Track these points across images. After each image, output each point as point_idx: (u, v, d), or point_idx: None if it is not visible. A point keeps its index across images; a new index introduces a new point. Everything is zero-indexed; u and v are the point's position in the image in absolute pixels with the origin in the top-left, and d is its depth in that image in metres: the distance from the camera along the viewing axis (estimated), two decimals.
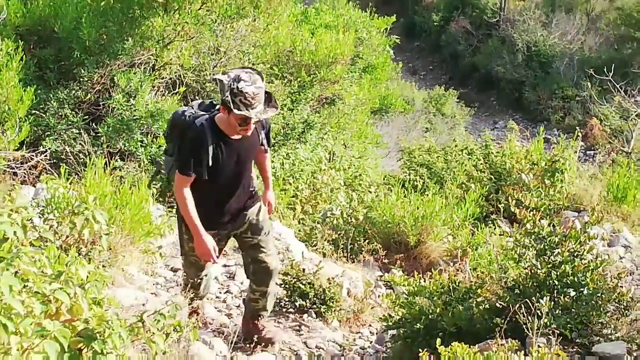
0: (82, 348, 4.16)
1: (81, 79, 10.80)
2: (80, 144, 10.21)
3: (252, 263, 7.50)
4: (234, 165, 7.03)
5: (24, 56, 10.26)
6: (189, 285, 7.58)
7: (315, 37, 13.18)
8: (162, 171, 7.91)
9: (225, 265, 9.60)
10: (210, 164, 6.78)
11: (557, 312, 7.10)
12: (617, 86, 26.00)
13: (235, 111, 6.39)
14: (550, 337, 6.89)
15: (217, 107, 7.03)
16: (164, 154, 7.71)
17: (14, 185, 9.02)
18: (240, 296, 9.05)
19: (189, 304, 7.46)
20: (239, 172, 7.16)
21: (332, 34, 13.51)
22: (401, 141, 16.58)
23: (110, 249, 8.24)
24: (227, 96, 6.36)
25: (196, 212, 6.88)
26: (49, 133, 10.23)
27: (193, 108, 7.18)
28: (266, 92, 6.55)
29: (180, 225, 7.35)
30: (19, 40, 10.35)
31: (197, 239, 6.95)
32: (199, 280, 7.71)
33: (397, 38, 18.00)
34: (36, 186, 9.12)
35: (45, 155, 9.99)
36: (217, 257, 7.13)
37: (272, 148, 12.15)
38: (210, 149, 6.74)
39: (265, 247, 7.47)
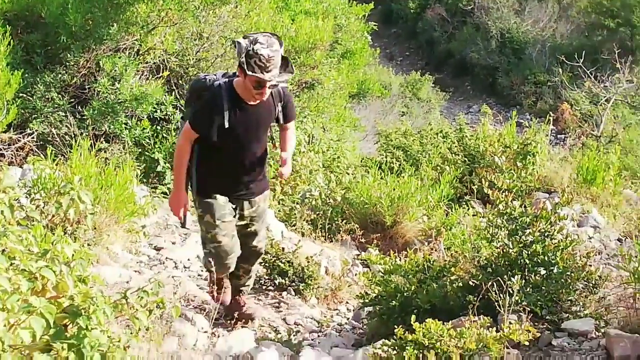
0: (67, 324, 4.14)
1: (67, 63, 10.78)
2: (66, 126, 10.21)
3: (243, 245, 7.23)
4: (246, 132, 6.79)
5: (12, 41, 10.24)
6: (215, 279, 7.34)
7: (296, 23, 13.18)
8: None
9: None
10: (226, 126, 6.55)
11: (527, 290, 7.12)
12: (587, 72, 26.11)
13: (250, 73, 6.19)
14: (521, 314, 6.92)
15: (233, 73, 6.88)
16: (181, 120, 7.73)
17: (1, 166, 8.99)
18: None
19: (217, 297, 7.49)
20: (250, 140, 6.88)
21: (311, 21, 13.51)
22: (378, 125, 16.61)
23: (95, 228, 8.23)
24: (243, 58, 6.17)
25: (206, 171, 6.84)
26: (35, 116, 10.21)
27: (216, 75, 6.95)
28: (283, 57, 6.34)
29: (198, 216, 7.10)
30: (7, 26, 10.33)
31: (174, 193, 6.95)
32: (226, 270, 7.31)
33: (374, 25, 17.98)
34: (23, 167, 9.10)
35: (32, 137, 9.98)
36: (182, 218, 7.08)
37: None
38: (225, 109, 6.55)
39: (259, 234, 7.37)
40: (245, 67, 6.17)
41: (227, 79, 6.75)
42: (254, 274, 7.79)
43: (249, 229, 7.25)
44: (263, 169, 7.22)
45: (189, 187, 7.11)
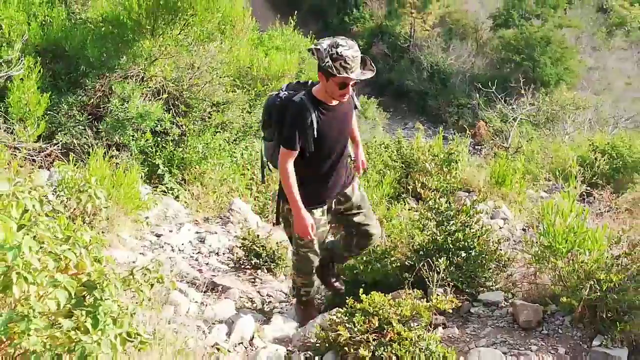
0: (85, 295, 4.13)
1: (86, 87, 10.71)
2: (85, 137, 10.14)
3: (358, 233, 6.75)
4: (335, 133, 6.18)
5: (41, 69, 10.18)
6: (298, 281, 6.93)
7: (268, 56, 13.17)
8: (264, 160, 6.79)
9: (197, 232, 9.55)
10: (316, 135, 5.94)
11: (451, 269, 7.15)
12: (499, 97, 26.30)
13: (336, 74, 5.66)
14: (446, 288, 6.95)
15: (308, 82, 6.33)
16: (263, 141, 6.71)
17: (33, 169, 8.93)
18: (209, 256, 9.01)
19: (305, 314, 7.16)
20: (338, 140, 6.27)
21: (281, 55, 13.53)
22: None
23: (108, 219, 8.20)
24: (327, 62, 5.65)
25: (305, 189, 6.12)
26: (60, 129, 10.14)
27: (283, 90, 6.33)
28: (362, 57, 5.85)
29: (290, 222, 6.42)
30: (37, 57, 10.28)
31: (297, 215, 6.10)
32: (311, 276, 6.87)
33: None
34: (50, 170, 9.04)
35: (58, 146, 9.90)
36: (311, 237, 6.26)
37: (246, 138, 12.24)
38: (313, 118, 5.89)
39: (370, 217, 6.81)
40: (332, 70, 5.66)
41: (304, 91, 6.11)
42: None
43: (356, 218, 6.71)
44: (350, 168, 6.70)
45: (279, 197, 6.57)
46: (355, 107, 6.58)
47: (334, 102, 6.02)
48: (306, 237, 6.18)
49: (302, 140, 5.91)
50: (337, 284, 7.32)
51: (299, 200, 5.99)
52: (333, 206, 6.57)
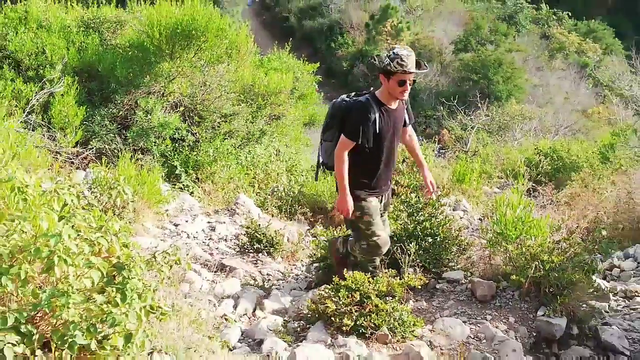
0: (115, 275, 4.12)
1: (115, 102, 10.69)
2: (115, 143, 10.12)
3: None
4: (391, 135, 6.01)
5: (78, 87, 10.20)
6: (365, 264, 6.46)
7: (268, 76, 13.13)
8: (320, 160, 6.57)
9: (208, 222, 9.54)
10: (377, 131, 5.83)
11: (420, 252, 7.17)
12: (459, 109, 26.33)
13: (395, 70, 5.64)
14: (416, 268, 7.01)
15: (367, 92, 6.11)
16: (323, 142, 6.49)
17: (71, 170, 8.91)
18: (219, 242, 9.01)
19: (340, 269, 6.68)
20: (394, 139, 6.10)
21: (278, 74, 13.50)
22: None
23: (134, 211, 8.19)
24: (386, 61, 5.67)
25: (361, 180, 6.06)
26: (94, 136, 10.12)
27: (349, 97, 6.15)
28: (417, 60, 5.73)
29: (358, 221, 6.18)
30: (75, 76, 10.28)
31: (342, 195, 5.98)
32: (375, 263, 6.51)
33: (319, 77, 17.90)
34: (86, 171, 9.02)
35: (92, 151, 9.88)
36: (374, 218, 6.10)
37: (258, 140, 12.25)
38: (376, 116, 5.79)
39: (386, 224, 6.44)
40: (390, 68, 5.66)
41: (367, 94, 6.02)
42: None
43: (382, 217, 6.40)
44: (392, 175, 6.46)
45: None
46: (409, 122, 6.37)
47: (393, 106, 5.95)
48: (343, 214, 6.06)
49: (364, 135, 5.83)
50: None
51: (347, 183, 5.93)
52: (383, 200, 6.40)
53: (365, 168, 6.06)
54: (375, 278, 6.11)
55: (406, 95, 5.94)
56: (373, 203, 6.16)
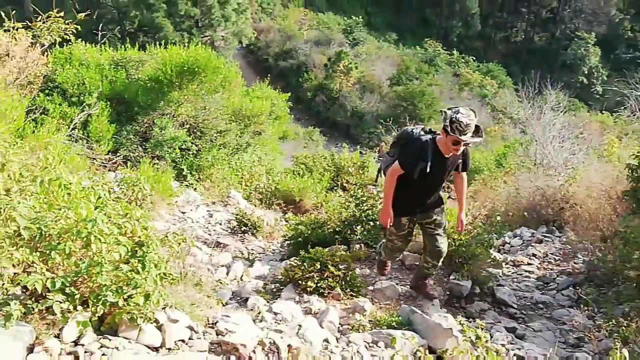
0: (137, 250, 4.10)
1: (138, 121, 10.61)
2: (137, 152, 10.05)
3: (430, 245, 5.72)
4: (439, 175, 5.41)
5: (110, 109, 10.14)
6: (383, 256, 6.16)
7: (252, 102, 13.12)
8: (381, 168, 6.08)
9: (207, 210, 9.50)
10: (427, 170, 5.18)
11: (364, 232, 7.19)
12: (394, 127, 26.47)
13: (451, 134, 5.00)
14: (361, 244, 7.00)
15: (435, 132, 5.51)
16: (386, 155, 6.04)
17: (104, 172, 8.83)
18: (215, 225, 8.98)
19: (383, 269, 6.39)
20: (439, 181, 5.52)
21: (260, 101, 13.50)
22: (293, 153, 16.61)
23: (152, 202, 8.14)
24: (447, 123, 5.02)
25: (399, 200, 5.46)
26: (122, 146, 10.04)
27: (418, 129, 5.56)
28: (476, 126, 5.08)
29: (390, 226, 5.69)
30: (107, 102, 10.22)
31: (384, 209, 5.52)
32: (392, 259, 6.23)
33: (290, 103, 17.85)
34: (115, 172, 8.94)
35: (120, 157, 9.80)
36: (397, 232, 5.68)
37: (245, 149, 12.25)
38: (430, 159, 5.17)
39: (440, 238, 5.66)
40: (448, 130, 5.02)
41: (430, 136, 5.37)
42: (436, 269, 5.93)
43: (431, 233, 5.66)
44: (438, 195, 5.67)
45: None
46: (465, 169, 5.66)
47: (447, 154, 5.24)
48: (384, 224, 5.58)
49: (413, 168, 5.26)
50: (434, 292, 6.30)
51: (390, 201, 5.45)
52: (412, 215, 5.65)
53: (407, 193, 5.47)
54: (331, 252, 6.12)
55: (459, 152, 5.23)
56: (402, 221, 5.65)
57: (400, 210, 5.52)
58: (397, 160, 5.46)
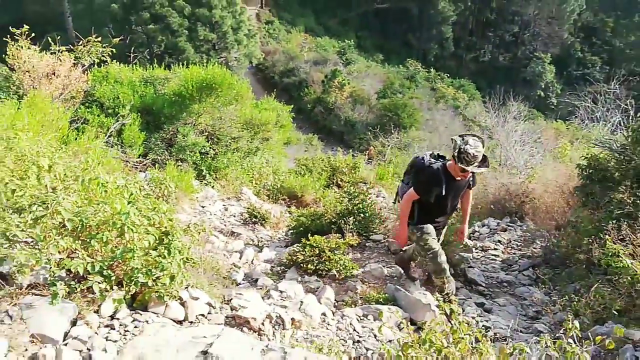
0: (163, 238, 4.09)
1: (164, 129, 10.56)
2: (163, 156, 10.00)
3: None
4: (453, 197, 5.19)
5: (140, 119, 10.09)
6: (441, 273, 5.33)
7: (261, 113, 13.07)
8: (398, 193, 5.71)
9: (223, 205, 9.48)
10: (443, 193, 5.01)
11: (356, 223, 7.18)
12: (380, 134, 26.41)
13: (459, 164, 4.76)
14: (353, 233, 6.97)
15: (444, 156, 5.34)
16: (401, 182, 5.72)
17: (136, 172, 8.81)
18: (230, 217, 8.96)
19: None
20: (454, 202, 5.27)
21: (267, 112, 13.47)
22: (296, 156, 16.58)
23: (176, 198, 8.11)
24: (456, 152, 4.77)
25: (420, 217, 5.24)
26: (150, 151, 9.99)
27: (427, 156, 5.30)
28: (484, 155, 4.81)
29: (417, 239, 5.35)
30: (138, 113, 10.18)
31: (401, 231, 5.26)
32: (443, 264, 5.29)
33: (293, 114, 17.77)
34: (145, 173, 8.92)
35: (149, 160, 9.76)
36: (405, 246, 5.50)
37: (252, 152, 12.22)
38: (443, 183, 4.97)
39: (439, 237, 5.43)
40: (456, 159, 4.78)
41: (441, 163, 5.13)
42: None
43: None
44: (452, 211, 5.42)
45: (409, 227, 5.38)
46: (472, 185, 5.37)
47: (458, 178, 5.01)
48: (399, 245, 5.39)
49: (429, 194, 5.06)
50: (415, 274, 6.15)
51: (406, 223, 5.20)
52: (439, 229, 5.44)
53: (425, 212, 5.22)
54: (327, 239, 6.11)
55: (466, 177, 5.05)
56: (430, 227, 5.32)
57: (422, 222, 5.26)
58: (412, 187, 5.22)
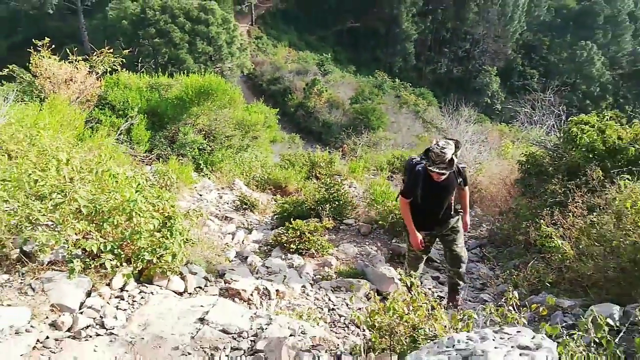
0: (166, 222, 4.06)
1: (167, 128, 10.44)
2: (166, 151, 9.90)
3: (448, 252, 4.78)
4: (434, 197, 4.46)
5: (147, 120, 9.98)
6: (408, 270, 4.52)
7: (251, 115, 12.98)
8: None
9: (218, 194, 9.42)
10: (424, 193, 4.41)
11: (332, 209, 7.17)
12: (353, 134, 26.42)
13: (426, 163, 4.28)
14: (329, 217, 6.97)
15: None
16: (403, 182, 5.28)
17: (142, 166, 8.70)
18: (224, 204, 8.90)
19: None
20: (438, 201, 4.51)
21: (256, 115, 13.37)
22: (280, 152, 16.53)
23: (177, 188, 8.03)
24: (424, 153, 4.41)
25: (414, 217, 4.58)
26: (155, 147, 9.88)
27: (417, 158, 4.64)
28: (450, 159, 4.18)
29: (405, 237, 4.86)
30: (144, 114, 10.04)
31: (411, 234, 4.60)
32: (417, 269, 4.77)
33: (278, 116, 17.69)
34: (150, 166, 8.81)
35: (154, 155, 9.66)
36: (423, 247, 4.67)
37: (244, 149, 12.13)
38: (421, 186, 4.39)
39: (456, 243, 4.71)
40: (425, 159, 4.34)
41: (423, 164, 4.41)
42: (462, 274, 4.84)
43: (448, 239, 4.71)
44: (448, 210, 4.60)
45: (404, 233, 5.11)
46: (463, 185, 4.65)
47: (437, 179, 4.36)
48: (417, 247, 4.65)
49: (412, 195, 4.48)
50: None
51: (412, 225, 4.60)
52: (430, 231, 4.71)
53: (419, 212, 4.58)
54: (307, 223, 6.09)
55: (442, 178, 4.37)
56: (420, 237, 4.65)
57: (417, 227, 4.65)
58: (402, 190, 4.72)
